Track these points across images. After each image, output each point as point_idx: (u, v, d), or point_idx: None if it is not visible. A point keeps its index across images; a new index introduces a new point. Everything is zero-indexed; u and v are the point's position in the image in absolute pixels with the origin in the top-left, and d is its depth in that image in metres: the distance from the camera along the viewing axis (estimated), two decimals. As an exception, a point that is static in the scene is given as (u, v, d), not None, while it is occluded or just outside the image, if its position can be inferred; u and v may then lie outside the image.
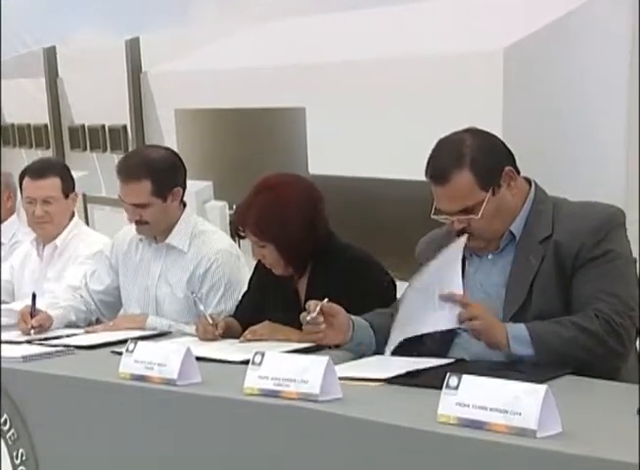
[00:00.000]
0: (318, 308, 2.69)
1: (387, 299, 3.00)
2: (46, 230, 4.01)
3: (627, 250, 2.68)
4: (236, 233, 3.22)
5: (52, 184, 3.98)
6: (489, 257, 2.78)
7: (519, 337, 2.54)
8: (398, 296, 3.08)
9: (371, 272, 3.13)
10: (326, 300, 2.71)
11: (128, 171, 3.51)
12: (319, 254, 3.16)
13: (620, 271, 2.63)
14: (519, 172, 2.74)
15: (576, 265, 2.62)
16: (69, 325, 3.62)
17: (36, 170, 4.03)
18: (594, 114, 3.93)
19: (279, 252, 3.13)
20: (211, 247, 3.53)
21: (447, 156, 2.67)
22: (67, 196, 4.01)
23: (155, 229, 3.58)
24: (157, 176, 3.48)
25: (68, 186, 4.01)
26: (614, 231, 2.65)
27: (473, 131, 2.74)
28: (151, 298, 3.58)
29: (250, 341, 3.04)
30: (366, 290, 3.02)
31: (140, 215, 3.51)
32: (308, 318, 2.69)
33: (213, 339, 3.13)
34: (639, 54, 3.62)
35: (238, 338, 3.16)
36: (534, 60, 4.01)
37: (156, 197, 3.49)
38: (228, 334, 3.20)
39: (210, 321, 3.15)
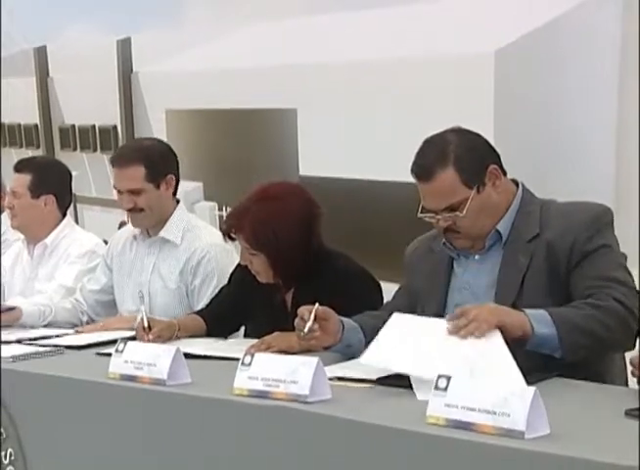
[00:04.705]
0: (313, 316, 2.67)
1: (373, 307, 2.99)
2: (14, 224, 4.04)
3: (618, 246, 2.70)
4: (227, 235, 3.20)
5: (20, 179, 4.01)
6: (476, 257, 2.78)
7: (540, 318, 2.50)
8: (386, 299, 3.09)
9: (358, 282, 3.11)
10: (317, 304, 2.70)
11: (122, 158, 3.58)
12: (307, 266, 3.13)
13: (617, 261, 2.66)
14: (505, 172, 2.76)
15: (572, 262, 2.63)
16: (58, 326, 3.62)
17: (17, 164, 4.10)
18: (584, 115, 3.95)
19: (270, 263, 3.10)
20: (204, 240, 3.56)
21: (431, 154, 2.70)
22: (36, 196, 3.99)
23: (149, 218, 3.58)
24: (150, 162, 3.53)
25: (38, 186, 3.99)
26: (604, 228, 2.68)
27: (457, 131, 2.76)
28: (144, 292, 3.60)
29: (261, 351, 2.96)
30: (352, 300, 2.98)
31: (135, 203, 3.53)
32: (306, 330, 2.67)
33: (147, 341, 3.07)
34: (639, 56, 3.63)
35: (198, 335, 3.21)
36: (526, 62, 4.02)
37: (149, 182, 3.52)
38: (185, 334, 3.20)
39: (146, 324, 3.11)
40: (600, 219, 2.68)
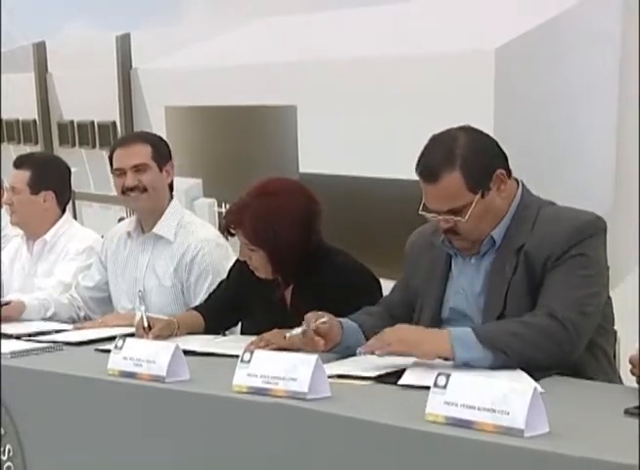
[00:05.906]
0: (314, 326, 2.66)
1: (372, 304, 2.98)
2: (14, 220, 4.05)
3: (600, 258, 2.61)
4: (226, 231, 3.20)
5: (19, 175, 4.01)
6: (472, 260, 2.74)
7: (465, 341, 2.47)
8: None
9: (357, 279, 3.10)
10: (325, 317, 2.69)
11: (128, 139, 3.69)
12: (307, 262, 3.13)
13: (582, 273, 2.56)
14: (510, 173, 2.69)
15: (545, 272, 2.57)
16: (58, 320, 3.62)
17: (16, 160, 4.10)
18: (584, 113, 3.95)
19: (269, 259, 3.10)
20: (197, 236, 3.55)
21: (438, 154, 2.63)
22: (35, 192, 3.99)
23: (152, 200, 3.55)
24: (155, 143, 3.60)
25: (38, 183, 3.99)
26: (588, 239, 2.59)
27: (466, 130, 2.68)
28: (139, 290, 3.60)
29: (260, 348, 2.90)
30: (351, 297, 2.98)
31: (139, 180, 3.52)
32: (294, 333, 2.67)
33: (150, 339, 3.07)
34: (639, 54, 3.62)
35: (197, 332, 3.20)
36: (526, 60, 4.03)
37: (154, 161, 3.54)
38: (184, 331, 3.18)
39: (146, 323, 3.11)
40: (583, 232, 2.59)
